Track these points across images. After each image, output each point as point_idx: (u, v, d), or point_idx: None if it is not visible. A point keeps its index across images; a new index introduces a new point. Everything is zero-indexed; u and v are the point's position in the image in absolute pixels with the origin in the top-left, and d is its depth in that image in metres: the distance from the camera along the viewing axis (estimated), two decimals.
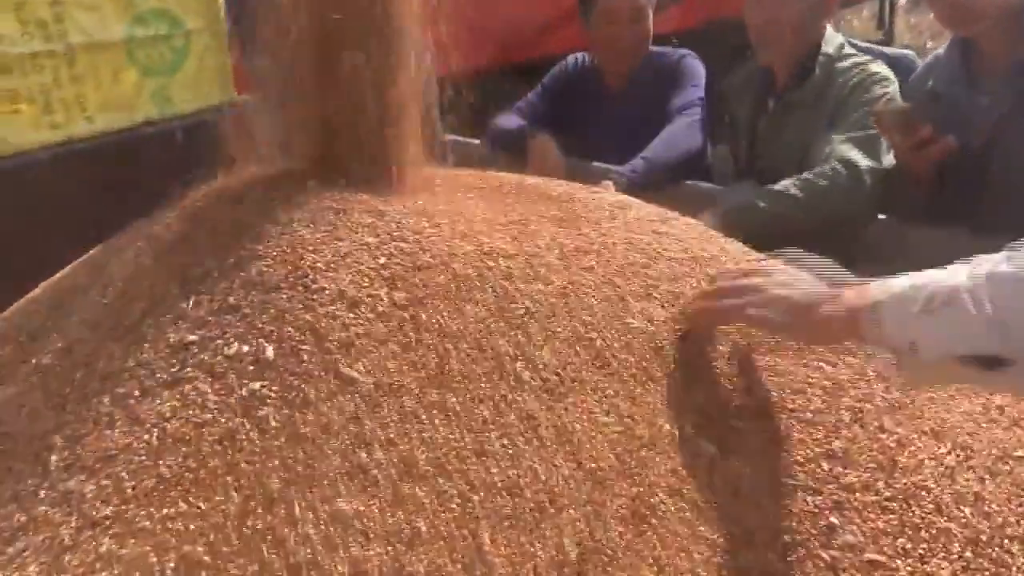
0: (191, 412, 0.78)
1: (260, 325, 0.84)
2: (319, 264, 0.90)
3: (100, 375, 0.86)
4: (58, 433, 0.81)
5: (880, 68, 1.89)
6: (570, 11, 3.51)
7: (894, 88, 1.86)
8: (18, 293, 1.24)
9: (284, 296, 0.87)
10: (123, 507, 0.73)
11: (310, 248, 0.92)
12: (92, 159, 2.06)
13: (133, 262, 1.02)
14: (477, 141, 2.32)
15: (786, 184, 1.77)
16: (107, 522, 0.72)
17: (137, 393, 0.81)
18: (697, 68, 2.22)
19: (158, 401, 0.80)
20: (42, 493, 0.76)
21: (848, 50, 1.95)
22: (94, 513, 0.72)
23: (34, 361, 0.95)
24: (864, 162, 1.76)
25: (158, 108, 2.20)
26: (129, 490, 0.74)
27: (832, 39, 1.95)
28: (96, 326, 0.94)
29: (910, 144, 1.66)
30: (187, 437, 0.77)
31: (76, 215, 1.64)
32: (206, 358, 0.82)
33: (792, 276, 0.97)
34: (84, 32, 2.05)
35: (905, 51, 2.26)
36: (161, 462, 0.75)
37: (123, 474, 0.75)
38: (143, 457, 0.76)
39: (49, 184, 1.99)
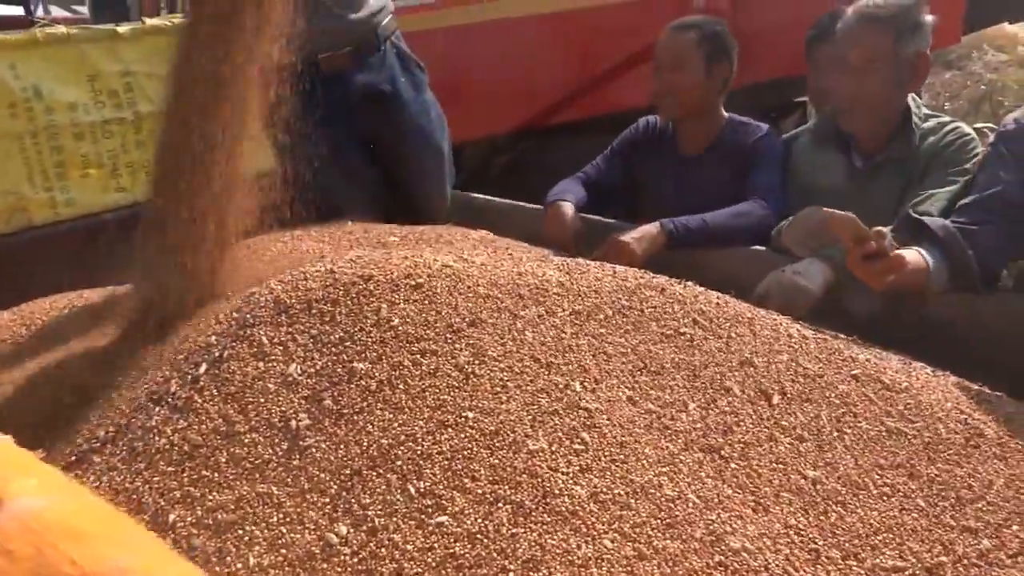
0: None
1: None
2: None
3: None
4: None
5: (967, 128, 1.95)
6: (599, 77, 3.62)
7: (980, 149, 1.90)
8: None
9: None
10: None
11: None
12: None
13: None
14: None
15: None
16: None
17: None
18: (779, 148, 2.20)
19: None
20: None
21: (927, 111, 2.01)
22: None
23: None
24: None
25: None
26: None
27: (915, 100, 2.00)
28: None
29: (859, 253, 1.53)
30: None
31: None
32: None
33: None
34: (151, 100, 2.16)
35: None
36: None
37: None
38: None
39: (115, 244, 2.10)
